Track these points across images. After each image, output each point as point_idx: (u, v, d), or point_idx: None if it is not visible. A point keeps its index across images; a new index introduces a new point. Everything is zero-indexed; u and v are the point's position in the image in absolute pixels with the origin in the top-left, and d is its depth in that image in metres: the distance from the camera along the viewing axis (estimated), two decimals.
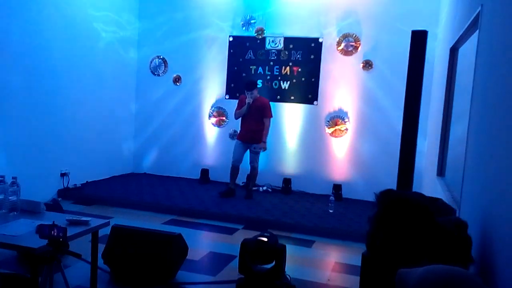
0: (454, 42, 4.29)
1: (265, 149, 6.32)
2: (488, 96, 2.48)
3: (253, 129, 6.21)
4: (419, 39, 3.51)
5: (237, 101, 6.49)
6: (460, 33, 3.86)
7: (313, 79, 6.91)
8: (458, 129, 3.90)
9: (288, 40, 6.98)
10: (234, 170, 6.35)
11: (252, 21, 7.11)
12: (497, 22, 2.41)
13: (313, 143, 6.97)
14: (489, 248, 2.03)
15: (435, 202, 2.25)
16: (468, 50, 3.64)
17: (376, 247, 1.80)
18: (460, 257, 1.88)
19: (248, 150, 6.31)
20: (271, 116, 6.32)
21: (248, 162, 6.34)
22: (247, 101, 6.17)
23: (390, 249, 1.76)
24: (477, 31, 3.01)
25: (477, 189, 2.49)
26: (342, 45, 6.74)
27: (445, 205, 2.58)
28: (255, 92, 6.19)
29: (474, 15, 3.13)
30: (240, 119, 6.38)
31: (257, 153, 6.28)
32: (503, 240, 1.81)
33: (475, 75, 2.98)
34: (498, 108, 2.18)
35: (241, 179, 6.68)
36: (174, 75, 7.51)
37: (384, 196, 1.87)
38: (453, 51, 4.53)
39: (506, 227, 1.78)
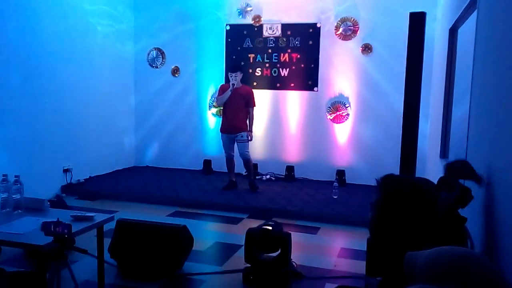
0: (453, 22, 4.25)
1: (251, 138, 6.16)
2: (488, 75, 2.47)
3: (236, 117, 6.03)
4: (417, 21, 3.47)
5: None
6: (459, 13, 3.82)
7: (312, 65, 6.87)
8: (460, 110, 3.88)
9: (285, 27, 6.92)
10: (229, 162, 6.23)
11: (249, 9, 7.04)
12: (495, 2, 2.38)
13: (315, 130, 6.95)
14: (492, 229, 2.03)
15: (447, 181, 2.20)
16: (467, 30, 3.60)
17: (380, 233, 1.80)
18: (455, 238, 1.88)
19: (236, 141, 6.15)
20: (255, 105, 6.16)
21: (238, 154, 6.17)
22: (231, 83, 5.95)
23: (394, 234, 1.75)
24: (476, 11, 2.97)
25: (479, 169, 2.48)
26: (341, 29, 6.69)
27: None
28: (240, 76, 6.00)
29: None
30: (222, 108, 6.20)
31: (245, 141, 6.08)
32: (507, 220, 1.81)
33: (474, 55, 2.95)
34: (498, 87, 2.16)
35: (242, 169, 6.62)
36: (172, 67, 7.48)
37: (385, 181, 1.86)
38: (453, 32, 4.49)
39: (509, 208, 1.78)
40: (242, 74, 6.11)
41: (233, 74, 5.97)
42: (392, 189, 1.82)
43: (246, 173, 6.54)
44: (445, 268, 1.31)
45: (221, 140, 6.26)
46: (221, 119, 6.32)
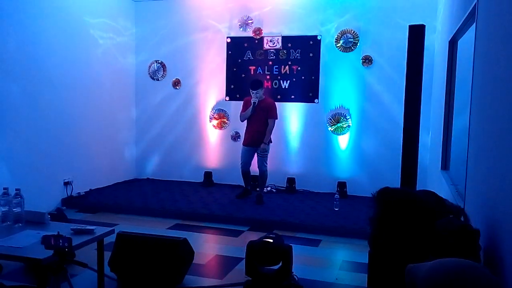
0: (453, 34, 4.27)
1: (267, 150, 6.14)
2: (487, 87, 2.47)
3: (258, 131, 6.04)
4: (417, 34, 3.49)
5: (241, 103, 6.37)
6: (458, 25, 3.84)
7: (313, 77, 6.89)
8: (461, 121, 3.88)
9: (286, 39, 6.96)
10: (245, 174, 6.26)
11: (249, 21, 7.10)
12: (494, 13, 2.40)
13: (315, 142, 6.95)
14: (495, 240, 2.01)
15: (441, 200, 2.22)
16: (467, 42, 3.62)
17: (380, 247, 1.79)
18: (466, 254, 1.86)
19: (256, 154, 6.18)
20: (276, 118, 6.13)
21: (257, 166, 6.19)
22: (252, 100, 5.99)
23: (394, 247, 1.74)
24: (475, 23, 2.99)
25: (480, 181, 2.47)
26: (341, 41, 6.72)
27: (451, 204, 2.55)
28: (261, 92, 6.02)
29: (471, 6, 3.11)
30: (245, 121, 6.26)
31: (265, 156, 6.13)
32: (509, 232, 1.80)
33: (474, 66, 2.96)
34: (497, 99, 2.17)
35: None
36: (173, 79, 7.51)
37: (381, 194, 1.85)
38: (452, 43, 4.51)
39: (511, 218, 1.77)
40: (263, 90, 6.13)
41: (254, 92, 5.97)
42: (388, 202, 1.81)
43: (257, 184, 6.45)
44: (446, 280, 1.30)
45: (241, 151, 6.25)
46: (244, 132, 6.31)
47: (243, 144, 6.25)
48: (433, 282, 1.34)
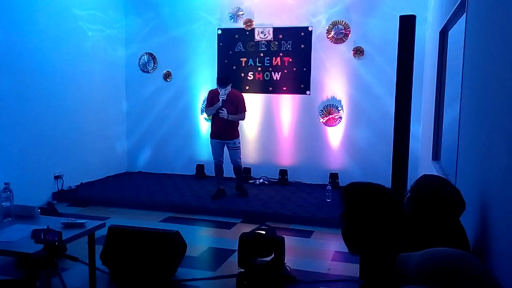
0: (443, 25, 4.28)
1: (235, 144, 5.93)
2: (477, 78, 2.48)
3: (226, 123, 5.81)
4: (407, 24, 3.48)
5: None
6: (449, 16, 3.84)
7: (304, 69, 6.88)
8: (452, 112, 3.90)
9: (277, 31, 6.93)
10: (217, 169, 6.02)
11: (240, 13, 7.05)
12: (484, 4, 2.40)
13: (307, 133, 6.95)
14: (484, 230, 2.03)
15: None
16: (457, 33, 3.62)
17: (354, 243, 1.81)
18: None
19: (226, 147, 5.99)
20: (246, 110, 5.94)
21: (230, 161, 6.04)
22: (220, 98, 5.73)
23: (366, 241, 1.76)
24: (465, 13, 2.99)
25: (471, 171, 2.49)
26: (332, 33, 6.71)
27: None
28: (229, 88, 5.80)
29: None
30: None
31: (237, 149, 5.97)
32: (498, 221, 1.81)
33: (464, 57, 2.97)
34: (487, 89, 2.17)
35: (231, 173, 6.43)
36: (164, 71, 7.46)
37: (346, 190, 1.87)
38: (443, 34, 4.52)
39: (500, 208, 1.78)
40: (231, 85, 5.88)
41: (223, 89, 5.75)
42: (355, 197, 1.83)
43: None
44: (436, 268, 1.32)
45: (211, 146, 6.06)
46: (210, 124, 6.13)
47: (211, 137, 6.00)
48: (423, 271, 1.35)
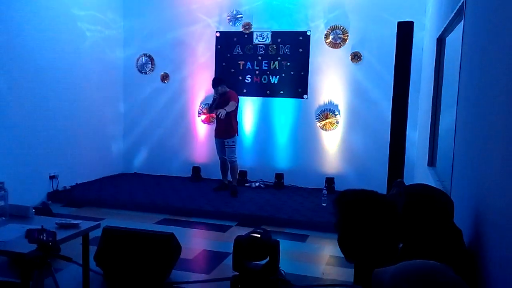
0: (440, 32, 4.30)
1: (221, 114, 6.10)
2: (474, 85, 2.49)
3: (222, 122, 6.29)
4: (405, 30, 3.49)
5: None
6: (446, 22, 3.86)
7: (302, 73, 6.89)
8: (448, 118, 3.91)
9: (275, 34, 6.94)
10: (222, 164, 6.56)
11: (239, 16, 7.06)
12: (481, 11, 2.41)
13: (304, 138, 6.96)
14: (479, 235, 2.04)
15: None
16: (454, 40, 3.64)
17: (350, 250, 1.81)
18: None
19: (225, 146, 6.41)
20: (235, 101, 6.26)
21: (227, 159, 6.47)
22: (213, 96, 6.38)
23: (361, 249, 1.76)
24: (462, 20, 3.00)
25: (466, 178, 2.49)
26: (330, 37, 6.73)
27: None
28: (221, 88, 6.28)
29: (459, 4, 3.13)
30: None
31: (231, 147, 6.36)
32: (494, 228, 1.81)
33: (461, 64, 2.98)
34: (484, 96, 2.18)
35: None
36: (162, 73, 7.45)
37: (340, 199, 1.87)
38: (440, 41, 4.54)
39: (495, 214, 1.78)
40: (224, 85, 6.35)
41: (215, 89, 6.32)
42: (348, 204, 1.82)
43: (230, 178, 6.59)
44: (410, 282, 1.33)
45: (215, 144, 6.56)
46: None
47: (214, 137, 6.57)
48: (397, 286, 1.36)
